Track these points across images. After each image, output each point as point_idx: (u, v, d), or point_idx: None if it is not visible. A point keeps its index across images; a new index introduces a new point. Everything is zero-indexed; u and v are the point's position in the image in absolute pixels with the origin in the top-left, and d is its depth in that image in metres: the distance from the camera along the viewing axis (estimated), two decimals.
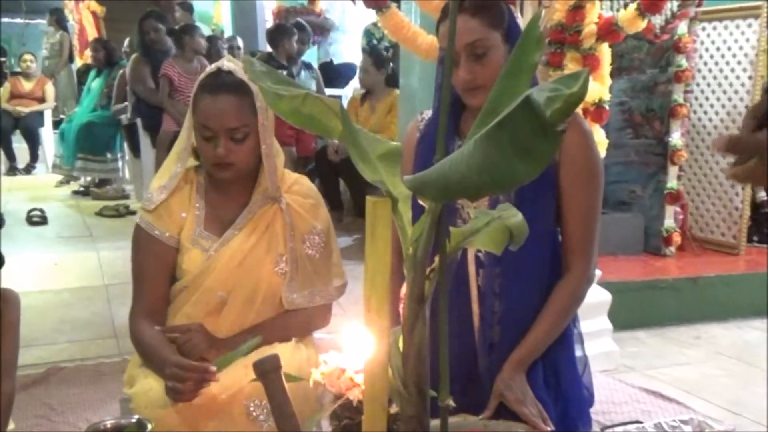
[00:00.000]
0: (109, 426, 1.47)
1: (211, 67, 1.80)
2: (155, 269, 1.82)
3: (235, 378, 1.64)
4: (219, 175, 1.80)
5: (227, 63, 1.79)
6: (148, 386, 1.71)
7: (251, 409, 1.64)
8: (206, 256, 1.81)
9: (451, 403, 1.05)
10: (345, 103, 5.82)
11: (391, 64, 5.81)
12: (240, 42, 6.97)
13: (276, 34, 6.08)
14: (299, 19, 7.06)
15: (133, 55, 6.20)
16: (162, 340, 1.77)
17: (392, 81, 5.46)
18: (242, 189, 1.86)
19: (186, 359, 1.63)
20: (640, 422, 2.44)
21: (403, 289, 1.11)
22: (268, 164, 1.81)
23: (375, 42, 6.95)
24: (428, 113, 1.92)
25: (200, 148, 1.79)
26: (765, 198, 4.58)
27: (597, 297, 3.18)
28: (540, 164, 0.71)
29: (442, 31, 1.77)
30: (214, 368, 1.57)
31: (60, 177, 7.96)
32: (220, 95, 1.73)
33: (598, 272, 3.25)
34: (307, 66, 6.27)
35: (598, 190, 1.79)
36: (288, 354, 1.71)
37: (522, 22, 2.99)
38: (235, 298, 1.81)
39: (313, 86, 5.99)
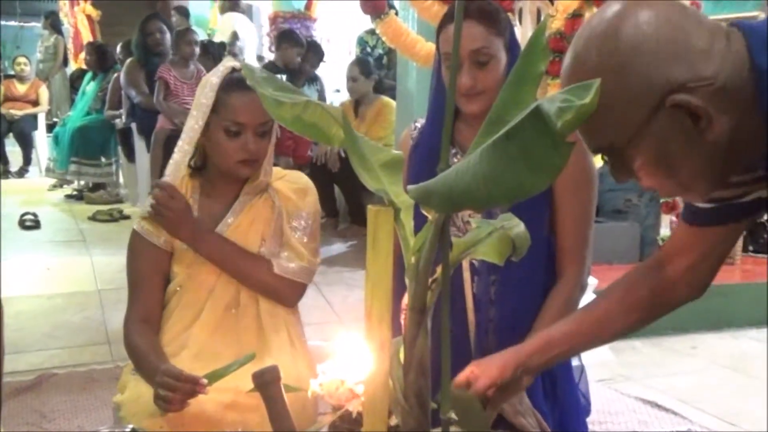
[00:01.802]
0: None
1: (225, 68, 1.80)
2: (151, 274, 1.82)
3: (227, 391, 1.62)
4: (242, 173, 1.81)
5: (236, 63, 1.81)
6: (138, 394, 1.69)
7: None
8: (197, 255, 1.81)
9: (454, 416, 1.03)
10: None
11: (379, 73, 5.79)
12: (240, 47, 6.97)
13: (277, 40, 6.09)
14: (314, 38, 7.06)
15: (128, 60, 6.17)
16: (154, 347, 1.75)
17: (379, 88, 5.45)
18: (232, 186, 1.87)
19: (177, 368, 1.61)
20: None
21: (405, 300, 1.10)
22: (268, 158, 1.83)
23: (369, 49, 6.95)
24: (422, 121, 1.92)
25: (223, 147, 1.78)
26: None
27: None
28: (550, 176, 0.70)
29: (444, 36, 1.75)
30: (205, 381, 1.55)
31: (53, 181, 7.93)
32: (251, 90, 1.73)
33: (594, 281, 3.24)
34: (312, 78, 6.26)
35: (591, 197, 1.79)
36: (286, 364, 1.69)
37: (520, 30, 2.99)
38: (223, 288, 1.82)
39: (315, 98, 5.96)
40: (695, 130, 0.98)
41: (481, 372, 1.29)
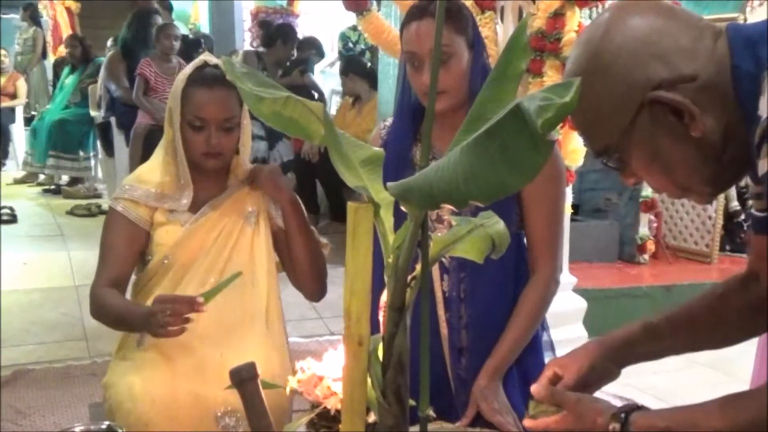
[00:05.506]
0: None
1: (196, 62, 1.84)
2: (123, 247, 1.83)
3: (209, 384, 1.63)
4: (207, 165, 1.84)
5: (210, 58, 1.85)
6: (129, 383, 1.70)
7: (219, 415, 1.67)
8: (184, 229, 1.83)
9: (432, 413, 1.03)
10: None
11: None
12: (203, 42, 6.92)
13: (302, 43, 6.12)
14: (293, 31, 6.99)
15: (110, 53, 6.10)
16: (131, 301, 1.81)
17: (376, 84, 5.49)
18: (217, 179, 1.91)
19: (171, 294, 1.68)
20: None
21: (383, 297, 1.09)
22: (244, 151, 1.90)
23: (351, 45, 6.93)
24: (390, 120, 1.91)
25: (188, 139, 1.82)
26: (738, 208, 4.63)
27: (573, 304, 3.19)
28: (530, 175, 0.70)
29: (407, 35, 1.74)
30: (201, 299, 1.54)
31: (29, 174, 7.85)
32: (216, 87, 1.79)
33: (573, 279, 3.26)
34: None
35: (560, 192, 1.80)
36: (263, 361, 1.69)
37: (502, 29, 3.00)
38: (211, 264, 1.83)
39: None
40: (681, 126, 1.00)
41: (565, 367, 1.26)
